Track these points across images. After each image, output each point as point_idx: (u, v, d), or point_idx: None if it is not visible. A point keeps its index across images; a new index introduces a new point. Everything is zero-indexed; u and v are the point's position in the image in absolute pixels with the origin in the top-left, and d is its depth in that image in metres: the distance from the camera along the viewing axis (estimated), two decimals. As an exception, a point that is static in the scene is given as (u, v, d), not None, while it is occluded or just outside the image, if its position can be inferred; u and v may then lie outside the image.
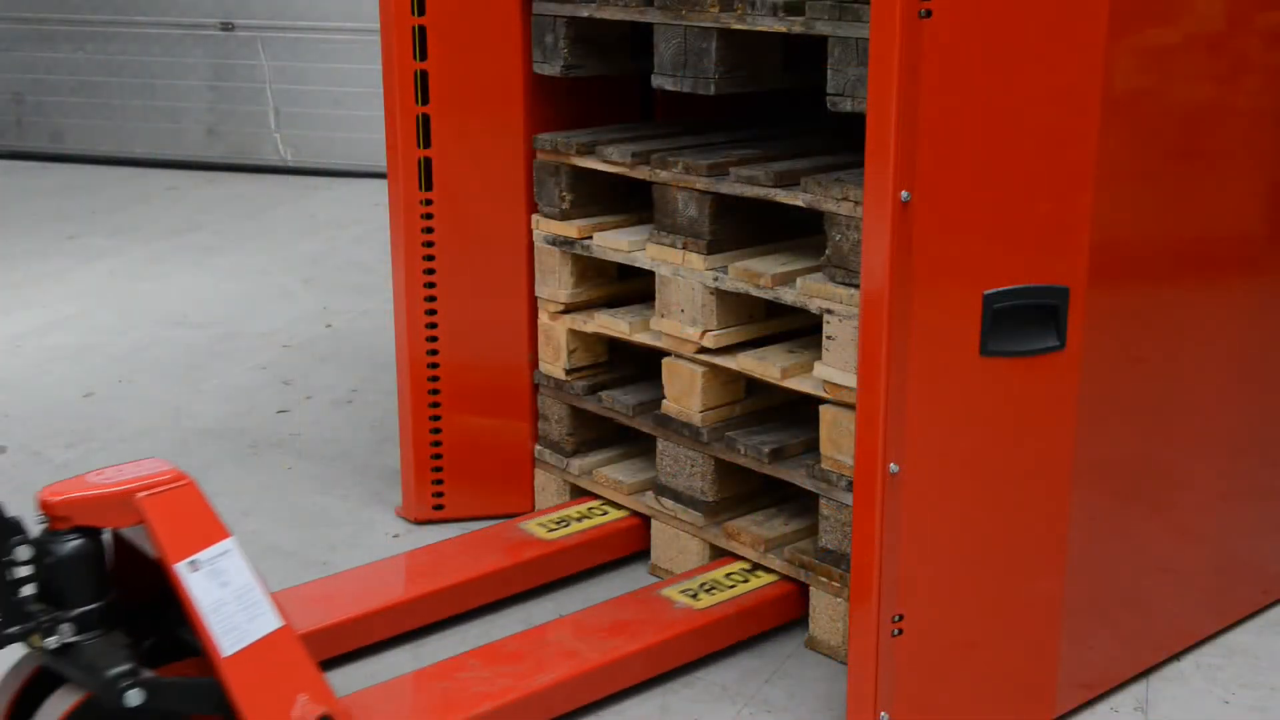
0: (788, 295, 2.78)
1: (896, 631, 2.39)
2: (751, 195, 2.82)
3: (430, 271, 3.32)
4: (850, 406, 2.65)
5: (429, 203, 3.29)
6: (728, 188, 2.86)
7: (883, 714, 2.43)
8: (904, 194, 2.19)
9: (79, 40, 8.43)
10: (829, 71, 2.56)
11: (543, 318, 3.34)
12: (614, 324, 3.18)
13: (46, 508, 2.26)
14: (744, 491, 3.09)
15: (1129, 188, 2.45)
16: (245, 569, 2.30)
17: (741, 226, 2.96)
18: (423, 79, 3.23)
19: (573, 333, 3.29)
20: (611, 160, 3.08)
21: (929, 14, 2.13)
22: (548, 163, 3.23)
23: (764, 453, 2.89)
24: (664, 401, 3.07)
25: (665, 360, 3.05)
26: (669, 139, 3.16)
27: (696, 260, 2.93)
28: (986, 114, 2.23)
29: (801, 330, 3.00)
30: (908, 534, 2.36)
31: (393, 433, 3.70)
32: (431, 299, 3.34)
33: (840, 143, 3.03)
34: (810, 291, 2.72)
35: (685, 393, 3.02)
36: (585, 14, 3.08)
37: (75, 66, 8.47)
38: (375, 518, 3.56)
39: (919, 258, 2.24)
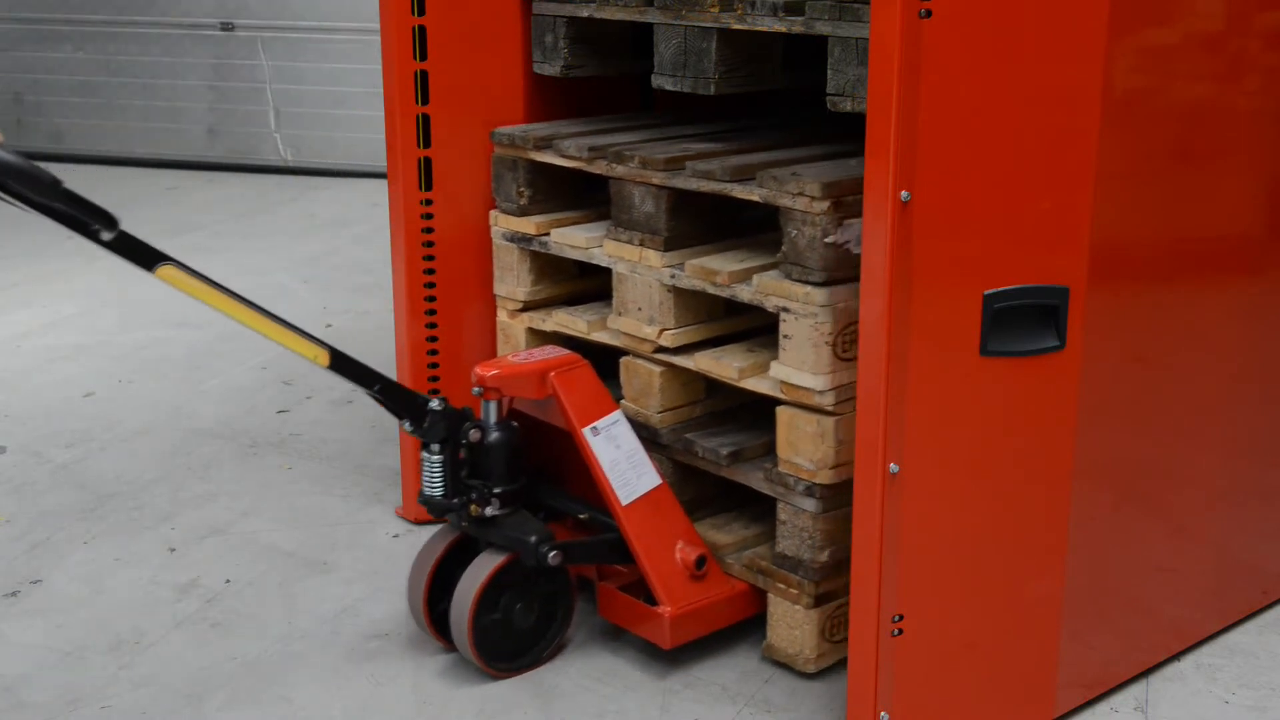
0: (744, 293, 2.71)
1: (896, 631, 2.39)
2: (707, 190, 2.76)
3: (430, 271, 3.32)
4: (808, 408, 2.62)
5: (429, 203, 3.29)
6: (683, 182, 2.79)
7: (883, 714, 2.43)
8: (904, 194, 2.19)
9: (79, 40, 8.43)
10: (829, 71, 2.56)
11: (501, 316, 3.27)
12: (572, 322, 3.11)
13: (481, 381, 2.74)
14: (705, 494, 3.00)
15: (1129, 188, 2.45)
16: (632, 435, 2.79)
17: (700, 222, 2.90)
18: (423, 79, 3.23)
19: (531, 331, 3.21)
20: (568, 155, 3.02)
21: (929, 14, 2.13)
22: (505, 157, 3.16)
23: (722, 455, 2.81)
24: (622, 401, 2.98)
25: (623, 360, 2.98)
26: (631, 132, 3.11)
27: (654, 257, 2.86)
28: (986, 114, 2.23)
29: (763, 328, 2.90)
30: (908, 534, 2.35)
31: (393, 433, 3.71)
32: (431, 299, 3.34)
33: (838, 140, 3.02)
34: (766, 289, 2.66)
35: (643, 393, 2.94)
36: (585, 14, 3.08)
37: (75, 66, 8.47)
38: (375, 518, 3.56)
39: (919, 258, 2.23)
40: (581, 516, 2.88)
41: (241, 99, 8.15)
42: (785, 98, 3.35)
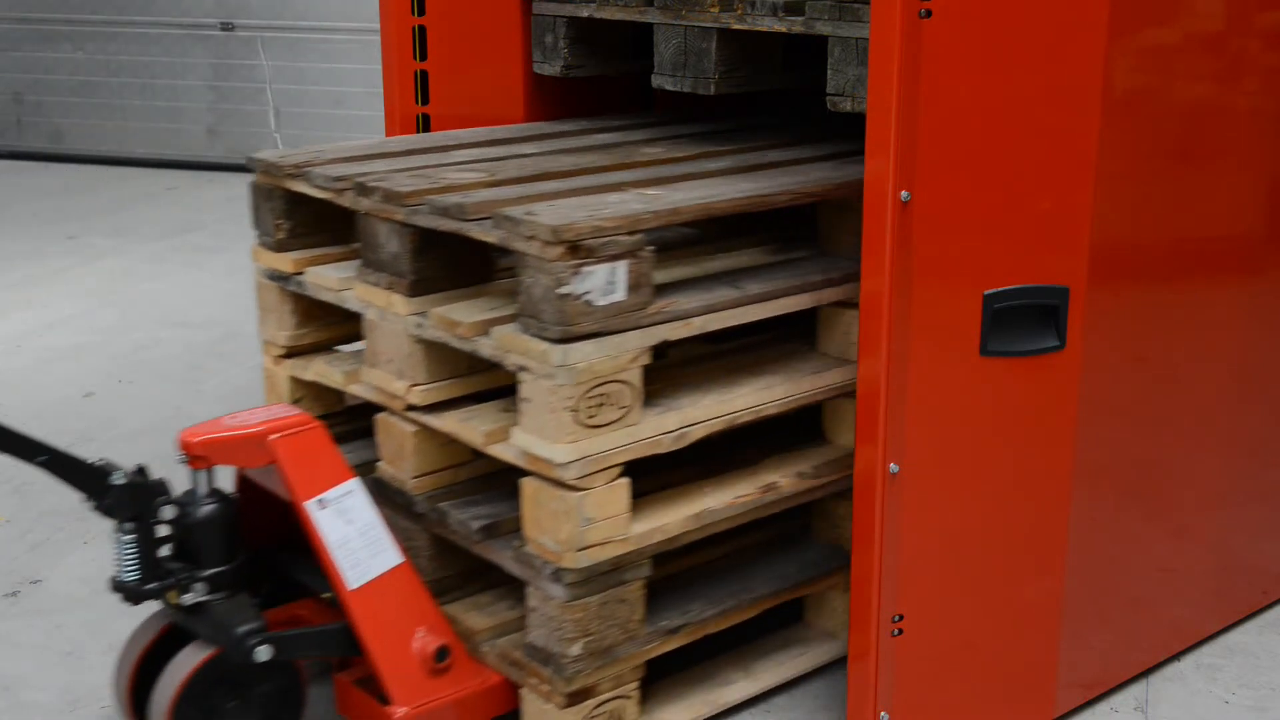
0: (485, 347, 2.38)
1: (897, 631, 2.39)
2: (446, 229, 2.44)
3: (430, 271, 3.32)
4: (551, 481, 2.33)
5: (429, 203, 3.29)
6: (423, 219, 2.46)
7: (883, 714, 2.43)
8: (904, 194, 2.19)
9: (79, 40, 8.43)
10: (829, 71, 2.56)
11: (266, 361, 2.92)
12: (329, 373, 2.76)
13: (186, 447, 2.35)
14: (470, 569, 2.64)
15: (1129, 187, 2.45)
16: (369, 508, 2.43)
17: (454, 263, 2.55)
18: (423, 79, 3.23)
19: (295, 380, 2.86)
20: (317, 185, 2.68)
21: (929, 14, 2.13)
22: (261, 186, 2.80)
23: (473, 529, 2.48)
24: (379, 464, 2.67)
25: (378, 417, 2.64)
26: (407, 156, 2.81)
27: (400, 303, 2.51)
28: (986, 114, 2.23)
29: None
30: (908, 534, 2.36)
31: (393, 433, 3.69)
32: (431, 299, 3.33)
33: (839, 140, 3.02)
34: (505, 345, 2.33)
35: (397, 455, 2.60)
36: (585, 14, 3.08)
37: (75, 66, 8.47)
38: (375, 518, 3.56)
39: (919, 258, 2.24)
40: (324, 596, 2.51)
41: (241, 99, 8.16)
42: (787, 97, 3.35)
